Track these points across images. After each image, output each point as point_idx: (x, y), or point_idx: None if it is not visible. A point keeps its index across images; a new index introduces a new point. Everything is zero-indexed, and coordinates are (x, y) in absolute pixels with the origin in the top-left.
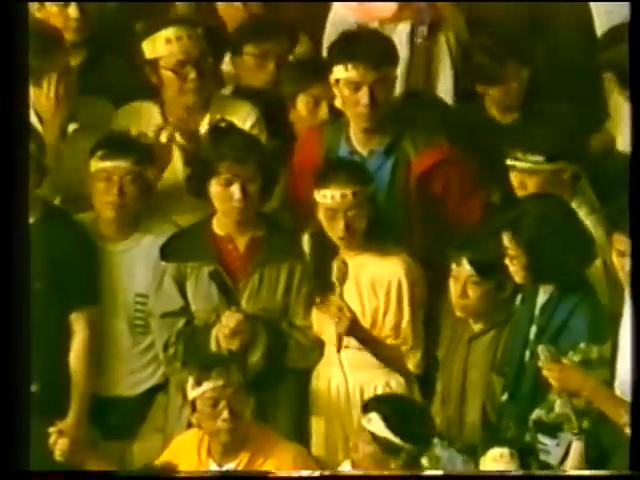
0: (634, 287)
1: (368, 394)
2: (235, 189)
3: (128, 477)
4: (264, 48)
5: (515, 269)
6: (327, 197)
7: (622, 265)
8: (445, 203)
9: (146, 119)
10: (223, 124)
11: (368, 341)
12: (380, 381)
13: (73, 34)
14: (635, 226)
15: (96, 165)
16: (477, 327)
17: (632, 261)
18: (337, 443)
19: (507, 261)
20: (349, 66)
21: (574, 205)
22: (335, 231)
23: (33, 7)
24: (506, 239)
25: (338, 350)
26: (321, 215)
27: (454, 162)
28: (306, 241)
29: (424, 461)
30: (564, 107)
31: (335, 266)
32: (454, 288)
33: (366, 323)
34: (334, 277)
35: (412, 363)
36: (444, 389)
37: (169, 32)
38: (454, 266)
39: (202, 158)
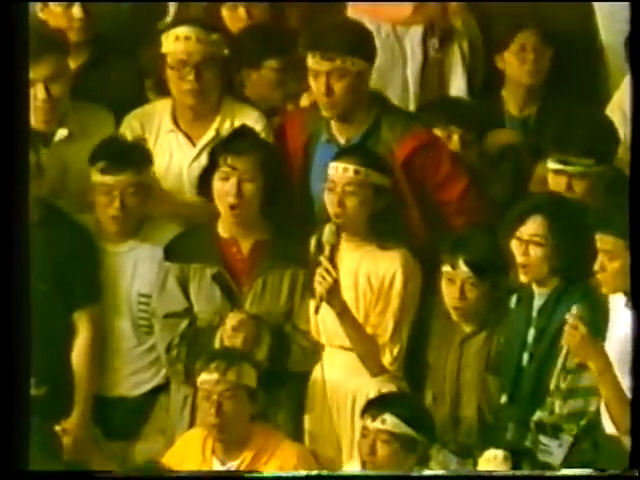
0: (634, 288)
1: (360, 402)
2: (231, 184)
3: (128, 477)
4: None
5: (526, 260)
6: (332, 169)
7: (603, 265)
8: (426, 188)
9: (159, 116)
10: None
11: (345, 317)
12: (372, 389)
13: (77, 34)
14: (635, 227)
15: (97, 178)
16: (468, 328)
17: (632, 263)
18: (330, 442)
19: (520, 250)
20: (310, 54)
21: None
22: (331, 206)
23: (36, 7)
24: (536, 224)
25: (316, 312)
26: (326, 189)
27: (432, 146)
28: (313, 243)
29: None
30: (588, 107)
31: (327, 228)
32: (450, 291)
33: (359, 316)
34: (324, 239)
35: (387, 359)
36: (436, 392)
37: (181, 30)
38: (448, 268)
39: (210, 154)
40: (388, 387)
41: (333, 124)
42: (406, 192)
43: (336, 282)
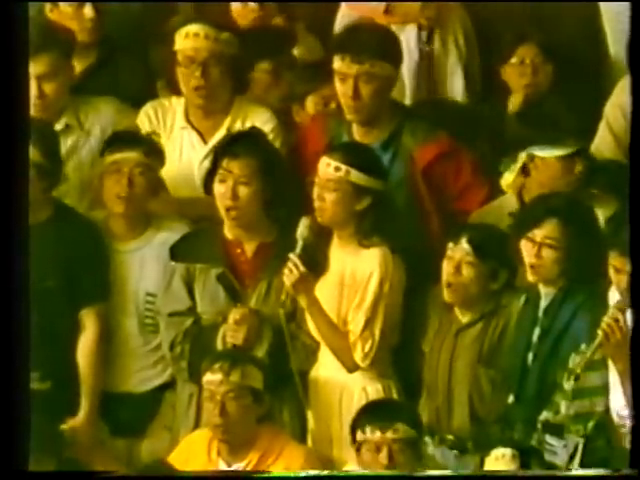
0: (634, 288)
1: (346, 400)
2: (227, 187)
3: (131, 477)
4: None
5: (537, 262)
6: (320, 163)
7: (618, 281)
8: (446, 196)
9: (172, 111)
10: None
11: (314, 312)
12: (357, 387)
13: (88, 35)
14: (635, 228)
15: (106, 160)
16: (465, 319)
17: (632, 262)
18: (327, 440)
19: (532, 252)
20: (338, 57)
21: None
22: (314, 199)
23: (45, 8)
24: (551, 227)
25: (283, 306)
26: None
27: (454, 154)
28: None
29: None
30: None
31: (301, 223)
32: (447, 267)
33: (341, 313)
34: (298, 233)
35: (358, 355)
36: (430, 383)
37: (191, 27)
38: (451, 245)
39: (213, 156)
40: (373, 384)
41: (355, 128)
42: (426, 199)
43: (303, 276)
